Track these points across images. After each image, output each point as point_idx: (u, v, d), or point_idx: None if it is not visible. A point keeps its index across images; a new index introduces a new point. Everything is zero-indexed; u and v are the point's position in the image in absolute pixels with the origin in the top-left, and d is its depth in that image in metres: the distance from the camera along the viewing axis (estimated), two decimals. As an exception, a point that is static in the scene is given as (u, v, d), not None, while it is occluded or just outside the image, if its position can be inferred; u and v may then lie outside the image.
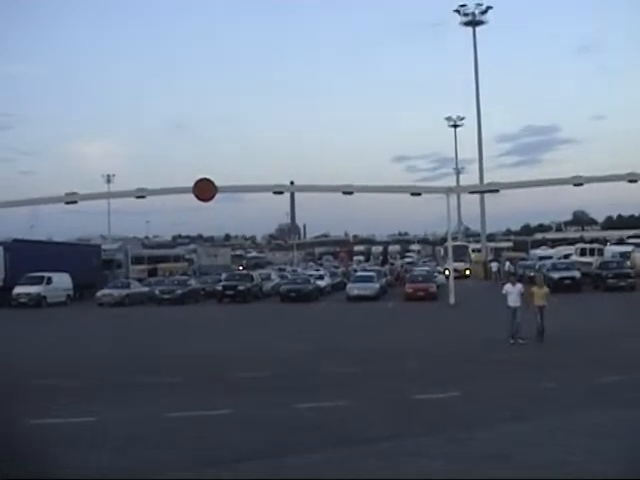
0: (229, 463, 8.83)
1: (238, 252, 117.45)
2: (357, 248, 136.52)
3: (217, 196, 36.07)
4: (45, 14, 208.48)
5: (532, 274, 48.93)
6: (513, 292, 20.53)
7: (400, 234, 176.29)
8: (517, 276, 18.83)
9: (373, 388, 13.89)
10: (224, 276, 50.99)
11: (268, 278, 50.25)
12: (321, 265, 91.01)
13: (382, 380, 14.86)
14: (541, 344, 19.53)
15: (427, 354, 18.61)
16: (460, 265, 61.96)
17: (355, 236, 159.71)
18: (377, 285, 43.50)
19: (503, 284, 23.19)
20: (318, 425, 10.78)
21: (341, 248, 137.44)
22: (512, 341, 19.76)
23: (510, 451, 9.05)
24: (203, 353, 20.10)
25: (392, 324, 28.25)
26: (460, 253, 64.69)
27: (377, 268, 63.03)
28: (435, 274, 51.17)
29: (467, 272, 64.62)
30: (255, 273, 50.16)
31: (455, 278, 42.48)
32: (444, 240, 65.49)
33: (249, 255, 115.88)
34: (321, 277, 50.90)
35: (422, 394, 12.85)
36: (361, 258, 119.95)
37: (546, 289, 20.89)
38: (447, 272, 45.14)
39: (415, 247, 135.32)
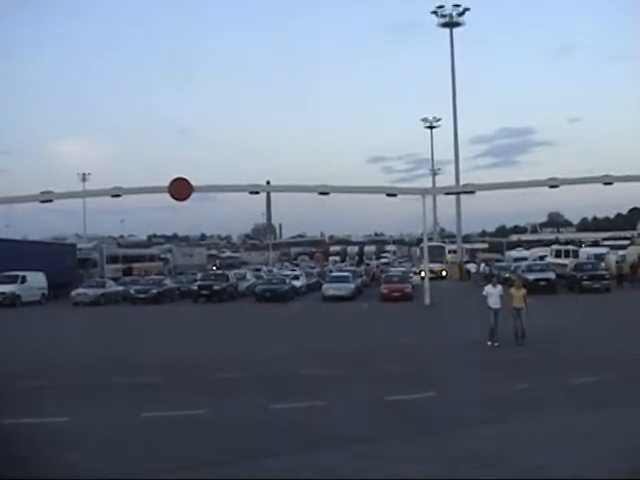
0: (207, 465, 8.81)
1: (212, 252, 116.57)
2: (333, 248, 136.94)
3: (193, 195, 35.94)
4: (21, 12, 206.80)
5: (507, 275, 49.64)
6: (494, 293, 20.35)
7: (376, 235, 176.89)
8: (492, 277, 18.83)
9: (349, 389, 13.93)
10: (199, 276, 50.72)
11: (244, 278, 50.14)
12: (297, 265, 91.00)
13: (358, 381, 14.91)
14: (520, 346, 19.37)
15: (403, 355, 18.69)
16: (437, 266, 62.11)
17: (331, 236, 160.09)
18: (352, 285, 43.60)
19: (481, 285, 23.29)
20: (295, 427, 10.80)
21: (317, 248, 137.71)
22: (489, 343, 19.62)
23: (487, 453, 9.14)
24: (179, 354, 19.96)
25: (368, 325, 28.27)
26: (437, 254, 64.79)
27: (353, 268, 63.23)
28: (411, 275, 51.43)
29: (443, 273, 64.47)
30: (231, 273, 50.01)
31: (431, 279, 42.73)
32: (420, 241, 65.77)
33: (223, 255, 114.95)
34: (297, 277, 50.91)
35: (398, 395, 12.92)
36: (337, 258, 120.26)
37: (524, 290, 20.66)
38: (422, 273, 45.32)
39: (391, 248, 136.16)
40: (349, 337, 23.48)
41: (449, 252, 72.88)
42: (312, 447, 9.54)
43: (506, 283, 49.45)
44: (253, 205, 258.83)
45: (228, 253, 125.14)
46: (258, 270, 65.32)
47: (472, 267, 62.40)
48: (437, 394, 12.98)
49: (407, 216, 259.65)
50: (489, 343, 19.55)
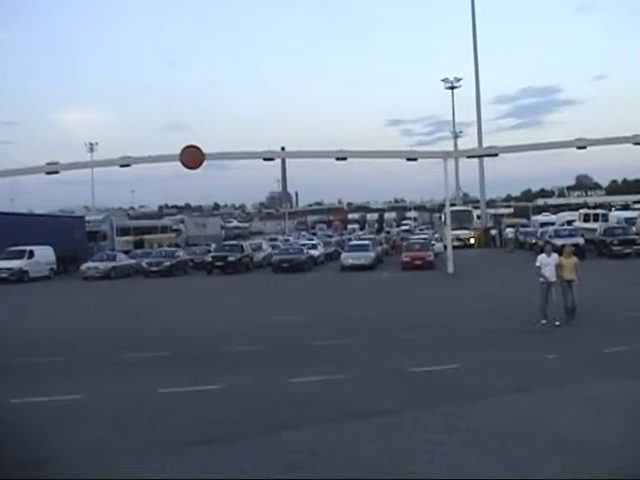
0: (224, 440, 8.88)
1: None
2: (351, 216, 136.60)
3: (205, 164, 35.96)
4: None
5: (533, 241, 49.43)
6: (550, 263, 17.97)
7: (396, 201, 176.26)
8: (547, 244, 17.43)
9: (370, 360, 13.96)
10: (213, 247, 50.92)
11: (259, 248, 50.31)
12: (314, 234, 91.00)
13: (379, 352, 14.95)
14: (569, 325, 17.51)
15: (425, 325, 18.70)
16: (463, 233, 61.49)
17: (349, 204, 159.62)
18: (372, 254, 43.63)
19: (508, 252, 22.91)
20: (314, 399, 10.84)
21: (335, 216, 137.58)
22: (544, 321, 17.55)
23: (512, 424, 9.13)
24: (194, 326, 20.13)
25: (388, 294, 28.38)
26: (463, 219, 64.00)
27: (372, 236, 63.16)
28: (433, 242, 51.37)
29: (471, 241, 62.51)
30: (245, 243, 50.14)
31: (457, 247, 42.68)
32: (442, 207, 65.48)
33: (229, 225, 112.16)
34: (314, 246, 50.97)
35: (420, 366, 12.93)
36: (356, 226, 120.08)
37: (575, 259, 18.32)
38: (443, 239, 45.29)
39: (412, 214, 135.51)
40: (368, 307, 23.55)
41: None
42: (332, 420, 9.57)
43: (533, 249, 50.29)
44: (268, 173, 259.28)
45: (235, 223, 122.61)
46: (274, 240, 65.50)
47: (493, 232, 62.29)
48: (461, 365, 12.97)
49: (428, 181, 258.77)
50: (543, 322, 17.51)
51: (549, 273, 17.88)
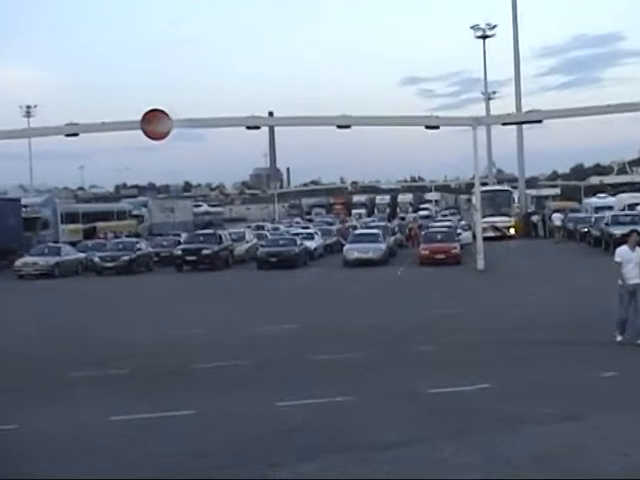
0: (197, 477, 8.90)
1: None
2: (357, 199, 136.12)
3: (174, 133, 35.88)
4: None
5: (586, 229, 49.41)
6: (632, 259, 16.77)
7: (413, 180, 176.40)
8: (632, 233, 16.60)
9: (378, 379, 13.99)
10: (184, 237, 50.89)
11: (241, 239, 50.31)
12: (310, 221, 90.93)
13: (390, 368, 15.01)
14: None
15: (447, 334, 18.74)
16: (501, 220, 61.05)
17: (354, 183, 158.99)
18: (383, 246, 43.68)
19: (558, 243, 22.63)
20: (308, 427, 10.87)
21: (336, 199, 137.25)
22: (619, 338, 16.66)
23: (557, 458, 9.12)
24: (159, 337, 20.17)
25: (402, 296, 28.49)
26: (500, 203, 63.43)
27: (383, 224, 63.08)
28: (459, 231, 51.40)
29: (511, 230, 61.37)
30: (224, 232, 50.14)
31: (492, 239, 42.74)
32: (470, 187, 65.30)
33: (198, 210, 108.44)
34: (310, 236, 50.95)
35: (442, 386, 12.95)
36: (362, 211, 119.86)
37: None
38: (472, 227, 45.32)
39: (432, 196, 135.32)
40: (377, 312, 23.62)
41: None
42: (331, 452, 9.55)
43: (585, 240, 50.32)
44: (252, 145, 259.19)
45: (205, 207, 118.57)
46: (260, 228, 65.48)
47: (534, 219, 62.22)
48: (493, 385, 13.00)
49: (453, 155, 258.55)
50: (619, 338, 16.64)
51: (631, 272, 16.65)
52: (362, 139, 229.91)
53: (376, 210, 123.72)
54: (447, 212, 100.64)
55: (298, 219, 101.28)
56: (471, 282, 32.67)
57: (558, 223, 56.78)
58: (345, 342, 18.14)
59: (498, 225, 59.62)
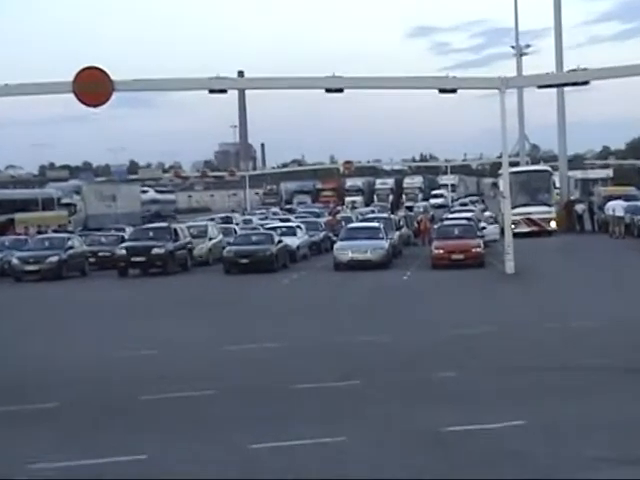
0: None
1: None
2: (351, 183, 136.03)
3: (115, 97, 35.75)
4: None
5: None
6: None
7: (423, 159, 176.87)
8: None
9: (381, 414, 13.95)
10: (129, 232, 50.78)
11: (203, 234, 50.21)
12: (292, 212, 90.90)
13: (396, 400, 14.98)
14: None
15: (469, 356, 18.73)
16: (539, 211, 60.44)
17: (347, 163, 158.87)
18: (384, 244, 43.61)
19: (617, 238, 22.22)
20: (294, 477, 10.82)
21: (325, 183, 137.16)
22: None
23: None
24: (97, 362, 20.12)
25: (410, 309, 28.53)
26: (536, 187, 62.94)
27: (385, 216, 63.00)
28: (482, 224, 51.38)
29: (552, 224, 60.63)
30: (181, 227, 50.03)
31: (527, 235, 42.58)
32: (497, 168, 65.30)
33: (142, 198, 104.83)
34: (292, 231, 50.86)
35: (462, 423, 12.95)
36: (358, 199, 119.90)
37: None
38: (499, 220, 45.33)
39: (448, 180, 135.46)
40: (379, 329, 23.56)
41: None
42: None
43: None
44: (217, 114, 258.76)
45: (151, 193, 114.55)
46: (228, 221, 65.58)
47: (579, 209, 62.12)
48: (528, 422, 12.97)
49: (474, 127, 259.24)
50: None
51: None
52: (358, 107, 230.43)
53: (376, 198, 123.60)
54: (467, 200, 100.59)
55: (276, 209, 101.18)
56: (498, 290, 32.72)
57: (620, 213, 55.78)
58: (337, 366, 18.07)
59: (534, 217, 59.12)
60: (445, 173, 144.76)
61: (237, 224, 61.78)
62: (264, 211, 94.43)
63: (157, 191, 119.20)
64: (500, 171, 52.20)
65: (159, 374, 18.22)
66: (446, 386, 16.01)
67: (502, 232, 44.49)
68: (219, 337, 23.08)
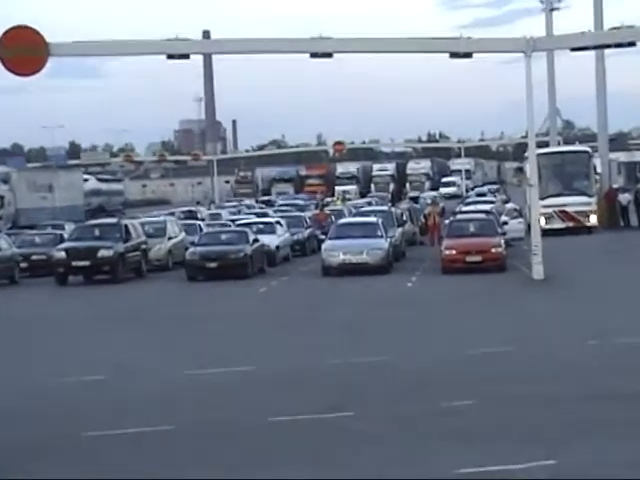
0: None
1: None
2: (342, 169, 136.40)
3: (50, 64, 35.69)
4: None
5: None
6: None
7: (430, 139, 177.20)
8: None
9: (378, 454, 13.90)
10: (70, 230, 50.67)
11: (161, 233, 50.15)
12: (270, 204, 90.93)
13: (397, 436, 14.95)
14: None
15: (489, 384, 18.69)
16: (575, 202, 59.70)
17: (338, 144, 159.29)
18: (384, 243, 43.71)
19: None
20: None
21: (310, 169, 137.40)
22: None
23: None
24: (32, 390, 20.04)
25: (416, 323, 28.56)
26: (572, 173, 62.14)
27: (384, 209, 63.04)
28: (503, 219, 51.40)
29: (591, 219, 59.59)
30: (134, 223, 49.95)
31: (561, 232, 42.54)
32: (521, 149, 65.27)
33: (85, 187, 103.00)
34: (270, 228, 50.90)
35: (480, 464, 12.92)
36: (352, 188, 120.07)
37: None
38: (526, 213, 45.35)
39: (462, 164, 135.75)
40: (377, 348, 23.59)
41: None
42: None
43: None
44: (178, 85, 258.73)
45: (92, 182, 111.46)
46: (191, 216, 65.60)
47: (622, 199, 62.04)
48: (562, 463, 12.93)
49: (494, 99, 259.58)
50: None
51: None
52: (350, 77, 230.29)
53: (373, 186, 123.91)
54: (485, 189, 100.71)
55: (251, 201, 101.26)
56: (523, 300, 32.81)
57: None
58: (325, 395, 18.04)
59: (569, 209, 58.42)
60: (458, 156, 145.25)
61: (203, 220, 61.86)
62: (236, 204, 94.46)
63: (100, 180, 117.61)
64: (526, 153, 52.17)
65: (107, 405, 18.19)
66: (459, 418, 15.93)
67: (529, 228, 44.49)
68: (180, 359, 23.13)
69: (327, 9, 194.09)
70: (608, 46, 48.88)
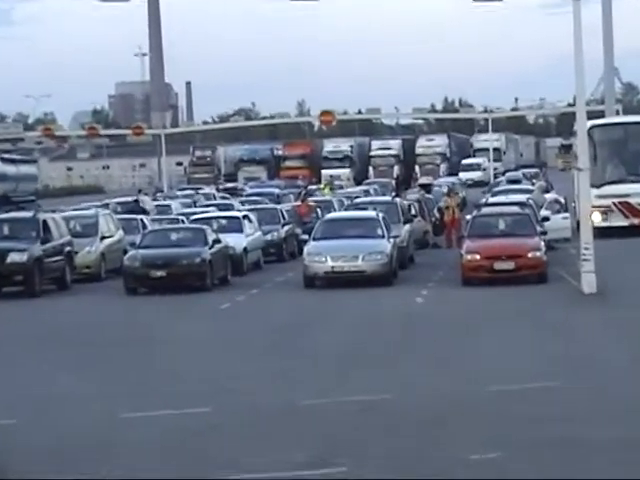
0: None
1: None
2: (333, 147, 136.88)
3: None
4: None
5: None
6: None
7: (448, 107, 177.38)
8: None
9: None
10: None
11: (92, 231, 50.20)
12: (236, 194, 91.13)
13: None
14: None
15: (527, 428, 18.67)
16: None
17: (327, 115, 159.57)
18: (386, 245, 43.90)
19: None
20: None
21: (289, 148, 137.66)
22: None
23: None
24: None
25: (427, 351, 28.67)
26: (638, 152, 61.70)
27: (386, 199, 63.14)
28: (543, 213, 51.46)
29: None
30: (55, 217, 49.94)
31: (622, 230, 42.80)
32: (567, 120, 65.69)
33: None
34: (236, 226, 51.02)
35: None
36: (344, 173, 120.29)
37: None
38: (573, 207, 45.39)
39: (488, 142, 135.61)
40: (375, 383, 23.69)
41: None
42: None
43: None
44: (113, 35, 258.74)
45: None
46: (132, 208, 66.05)
47: None
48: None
49: (532, 55, 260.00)
50: None
51: None
52: (341, 26, 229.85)
53: (372, 170, 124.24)
54: (519, 174, 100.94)
55: (211, 189, 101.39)
56: (569, 321, 32.79)
57: None
58: (310, 443, 18.00)
59: (633, 201, 57.70)
60: (484, 131, 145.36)
61: (147, 213, 61.88)
62: (191, 192, 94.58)
63: (4, 160, 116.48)
64: (575, 126, 52.08)
65: (19, 455, 18.18)
66: (483, 474, 16.05)
67: (577, 226, 44.54)
68: (114, 398, 23.05)
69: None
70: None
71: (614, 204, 54.31)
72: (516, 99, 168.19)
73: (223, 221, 51.46)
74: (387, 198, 64.64)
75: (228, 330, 33.66)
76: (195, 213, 58.71)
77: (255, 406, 21.75)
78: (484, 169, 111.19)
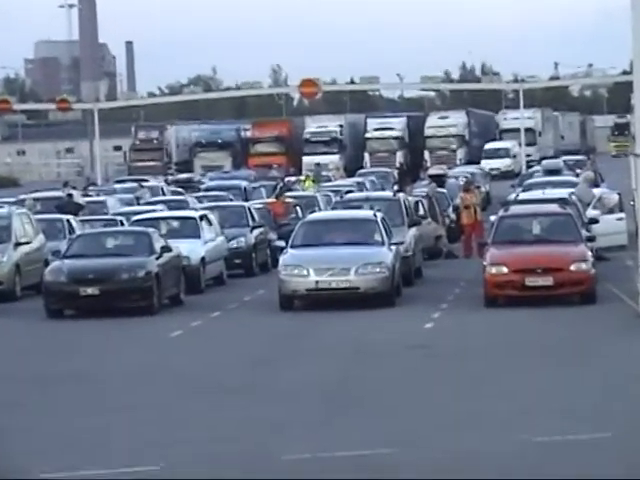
0: None
1: None
2: (317, 127, 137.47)
3: None
4: None
5: None
6: None
7: (464, 77, 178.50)
8: None
9: None
10: None
11: (3, 237, 50.30)
12: (192, 187, 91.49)
13: None
14: None
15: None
16: None
17: (309, 84, 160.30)
18: (386, 254, 43.93)
19: None
20: None
21: (261, 128, 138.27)
22: None
23: None
24: None
25: (439, 394, 28.65)
26: None
27: (386, 195, 63.36)
28: (590, 213, 51.54)
29: None
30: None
31: None
32: (624, 93, 66.10)
33: None
34: (191, 229, 51.14)
35: None
36: (332, 160, 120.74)
37: None
38: (631, 205, 45.52)
39: (519, 121, 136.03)
40: (373, 434, 23.70)
41: None
42: None
43: None
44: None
45: None
46: (57, 207, 65.71)
47: None
48: None
49: (573, 10, 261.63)
50: None
51: None
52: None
53: (368, 157, 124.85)
54: (559, 162, 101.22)
55: (159, 181, 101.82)
56: (625, 352, 32.76)
57: None
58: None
59: None
60: (514, 106, 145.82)
61: (78, 214, 61.99)
62: (133, 185, 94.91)
63: None
64: (632, 100, 52.13)
65: None
66: None
67: (636, 230, 44.59)
68: (33, 454, 23.03)
69: None
70: None
71: None
72: (556, 65, 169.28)
73: (175, 223, 51.62)
74: (388, 193, 65.02)
75: (180, 365, 33.61)
76: (138, 213, 58.80)
77: (218, 461, 21.76)
78: (513, 156, 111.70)
